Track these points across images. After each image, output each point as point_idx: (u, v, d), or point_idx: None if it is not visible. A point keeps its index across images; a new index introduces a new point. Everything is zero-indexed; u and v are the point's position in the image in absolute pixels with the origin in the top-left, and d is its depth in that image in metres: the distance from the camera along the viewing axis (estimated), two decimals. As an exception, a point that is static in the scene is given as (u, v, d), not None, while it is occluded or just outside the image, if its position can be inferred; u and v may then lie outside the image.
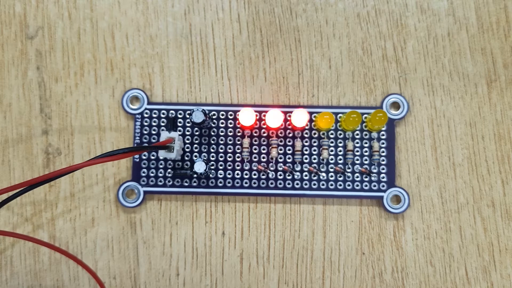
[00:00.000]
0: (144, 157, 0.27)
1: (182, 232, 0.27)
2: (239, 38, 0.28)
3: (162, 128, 0.27)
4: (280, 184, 0.26)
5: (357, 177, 0.26)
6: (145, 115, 0.27)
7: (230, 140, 0.27)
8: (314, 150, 0.27)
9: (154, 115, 0.27)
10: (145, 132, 0.27)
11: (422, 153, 0.27)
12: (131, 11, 0.29)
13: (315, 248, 0.27)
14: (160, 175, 0.27)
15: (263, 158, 0.27)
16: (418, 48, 0.28)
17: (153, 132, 0.27)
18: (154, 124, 0.27)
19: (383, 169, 0.26)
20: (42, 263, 0.27)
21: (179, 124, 0.27)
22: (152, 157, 0.27)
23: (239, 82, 0.28)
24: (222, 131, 0.27)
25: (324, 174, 0.26)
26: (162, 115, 0.27)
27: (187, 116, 0.27)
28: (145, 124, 0.27)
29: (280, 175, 0.27)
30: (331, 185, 0.26)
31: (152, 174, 0.27)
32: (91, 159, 0.22)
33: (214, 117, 0.27)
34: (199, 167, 0.25)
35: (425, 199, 0.27)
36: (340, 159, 0.27)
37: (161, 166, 0.27)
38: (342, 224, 0.27)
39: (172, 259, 0.27)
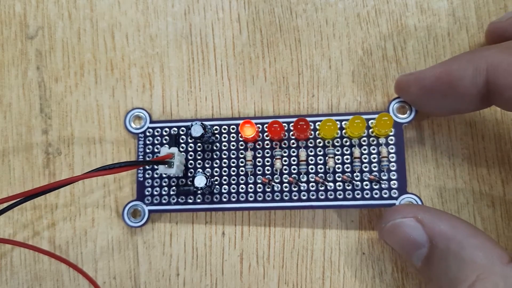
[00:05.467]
0: (147, 176, 0.27)
1: (182, 232, 0.27)
2: (239, 38, 0.28)
3: (165, 145, 0.27)
4: (286, 196, 0.26)
5: (366, 185, 0.25)
6: (148, 134, 0.27)
7: (233, 154, 0.26)
8: (320, 160, 0.26)
9: (156, 133, 0.27)
10: (148, 150, 0.27)
11: (422, 153, 0.27)
12: (131, 11, 0.29)
13: (315, 248, 0.27)
14: (164, 193, 0.27)
15: (268, 170, 0.26)
16: (418, 48, 0.28)
17: (156, 150, 0.27)
18: (156, 142, 0.27)
19: (393, 175, 0.25)
20: (42, 263, 0.27)
21: (181, 141, 0.27)
22: (156, 175, 0.27)
23: (239, 82, 0.28)
24: (225, 145, 0.27)
25: (331, 184, 0.26)
26: (165, 133, 0.27)
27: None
28: (148, 142, 0.27)
29: (286, 187, 0.26)
30: (339, 194, 0.25)
31: (156, 193, 0.27)
32: (89, 172, 0.22)
33: (216, 132, 0.27)
34: (200, 181, 0.24)
35: (425, 199, 0.27)
36: (348, 167, 0.26)
37: (165, 184, 0.27)
38: (342, 224, 0.27)
39: (172, 259, 0.27)
